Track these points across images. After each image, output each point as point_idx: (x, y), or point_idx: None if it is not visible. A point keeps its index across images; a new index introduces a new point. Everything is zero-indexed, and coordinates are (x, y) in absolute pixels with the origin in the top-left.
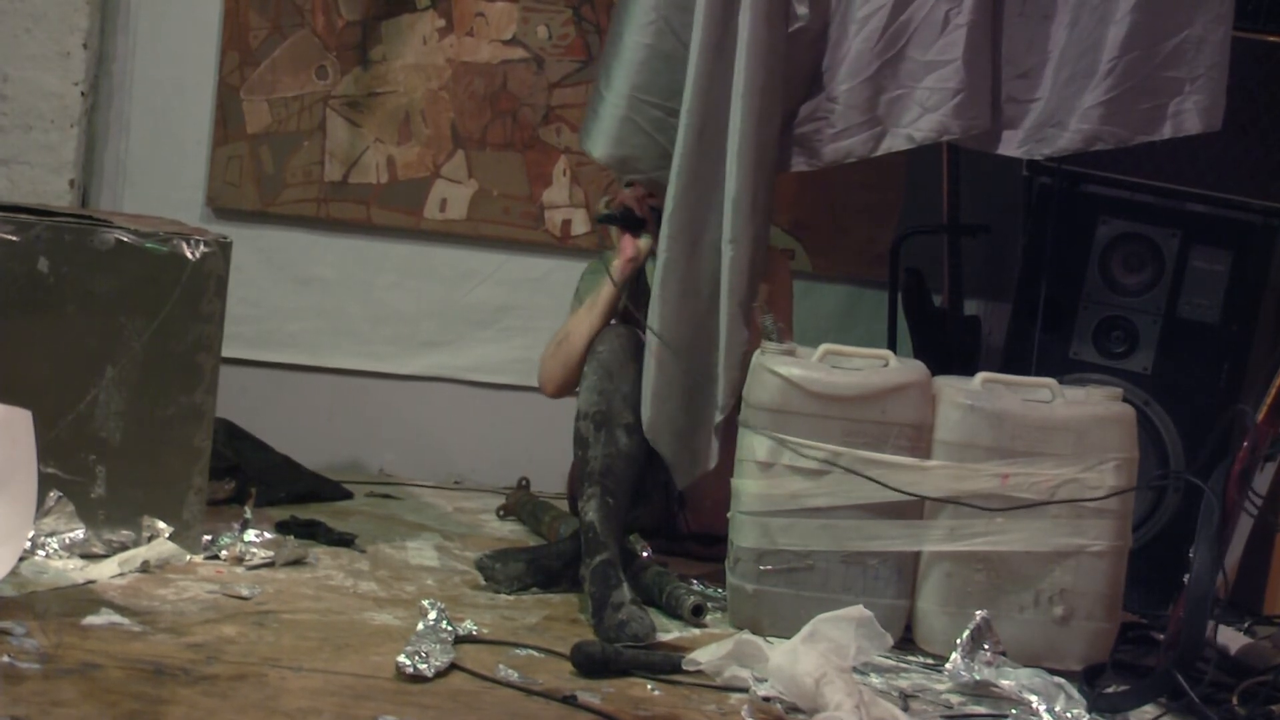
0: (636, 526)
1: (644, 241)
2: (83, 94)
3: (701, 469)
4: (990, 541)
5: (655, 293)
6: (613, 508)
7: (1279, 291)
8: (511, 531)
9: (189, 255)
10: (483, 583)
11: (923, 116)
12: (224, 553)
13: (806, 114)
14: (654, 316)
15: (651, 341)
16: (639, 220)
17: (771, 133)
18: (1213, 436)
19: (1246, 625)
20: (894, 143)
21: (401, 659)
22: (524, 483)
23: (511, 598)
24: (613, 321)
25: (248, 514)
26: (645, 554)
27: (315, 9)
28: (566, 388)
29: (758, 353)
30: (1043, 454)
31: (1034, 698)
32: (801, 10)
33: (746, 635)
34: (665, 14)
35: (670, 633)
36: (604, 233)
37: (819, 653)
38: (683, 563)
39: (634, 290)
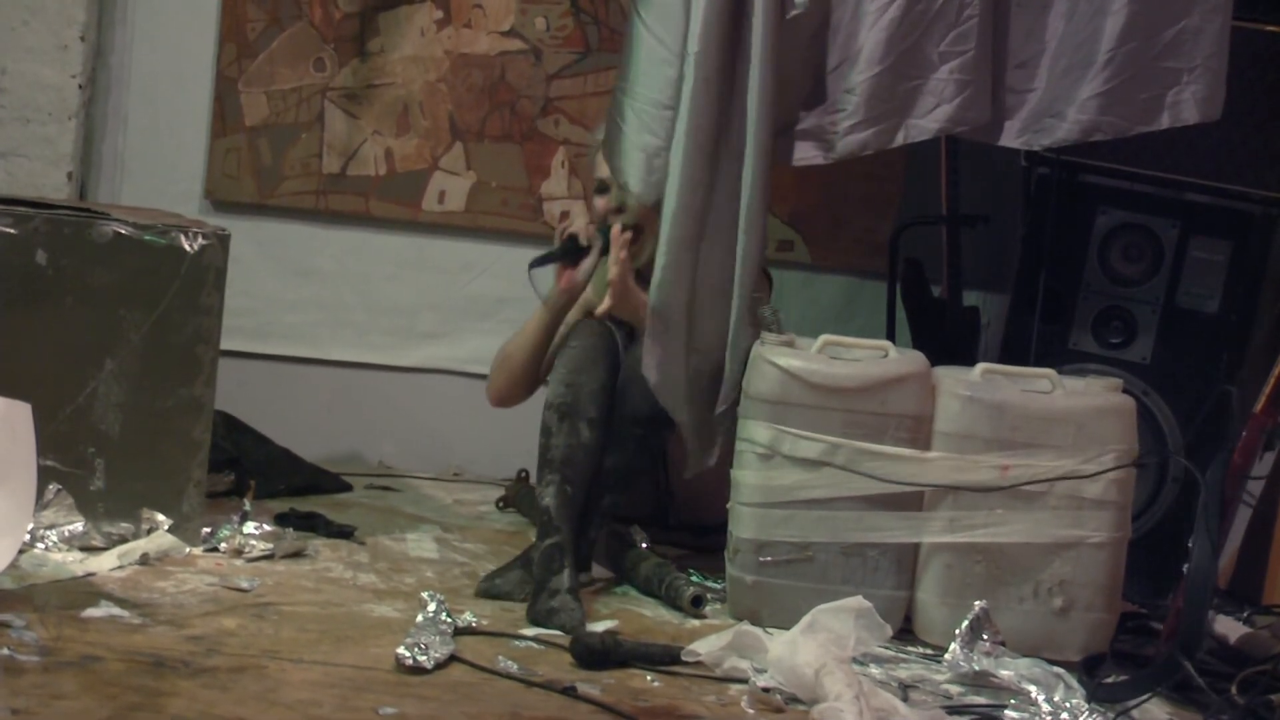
0: (632, 517)
1: (581, 274)
2: (80, 86)
3: (707, 462)
4: (990, 533)
5: (654, 281)
6: (570, 496)
7: (1278, 281)
8: (510, 523)
9: (187, 248)
10: (492, 598)
11: (938, 107)
12: (223, 545)
13: (819, 106)
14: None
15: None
16: (581, 251)
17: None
18: (1199, 417)
19: (1245, 615)
20: (911, 134)
21: (401, 651)
22: (523, 475)
23: None
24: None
25: (247, 506)
26: (644, 545)
27: (313, 1)
28: (509, 401)
29: (757, 344)
30: (1042, 445)
31: (1033, 688)
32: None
33: (746, 626)
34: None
35: (661, 632)
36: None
37: (818, 644)
38: (673, 554)
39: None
